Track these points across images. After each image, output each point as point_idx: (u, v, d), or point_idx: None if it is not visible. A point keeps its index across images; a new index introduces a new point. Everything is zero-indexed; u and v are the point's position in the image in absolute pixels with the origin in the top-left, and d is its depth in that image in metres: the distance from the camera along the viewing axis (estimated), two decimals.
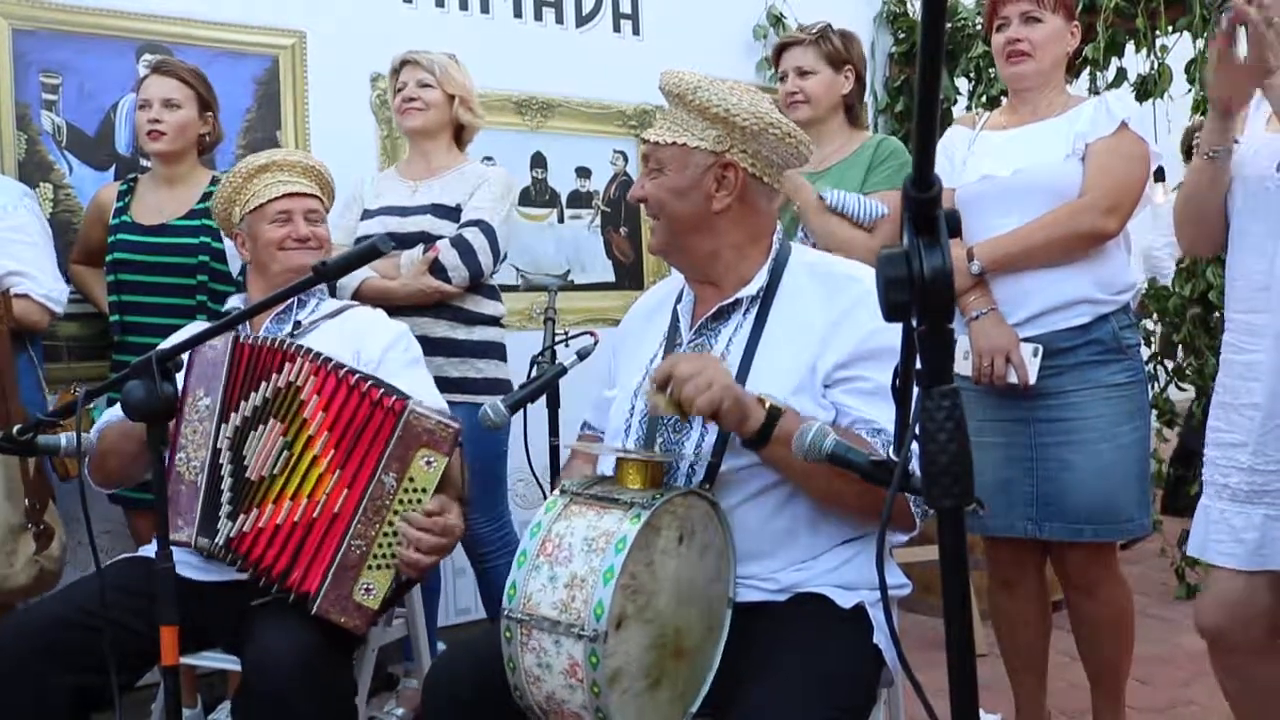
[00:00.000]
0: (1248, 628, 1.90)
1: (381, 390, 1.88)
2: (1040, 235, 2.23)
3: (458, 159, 2.93)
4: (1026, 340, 2.25)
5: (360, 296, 2.69)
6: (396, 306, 2.68)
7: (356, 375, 1.91)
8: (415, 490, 1.84)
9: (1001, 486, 2.31)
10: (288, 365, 1.93)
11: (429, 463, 1.83)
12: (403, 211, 2.82)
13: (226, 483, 1.93)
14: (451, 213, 2.80)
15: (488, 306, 2.87)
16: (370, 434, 1.85)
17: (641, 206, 1.76)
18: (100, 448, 2.04)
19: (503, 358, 2.89)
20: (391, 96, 2.93)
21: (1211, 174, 1.95)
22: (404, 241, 2.76)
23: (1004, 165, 2.30)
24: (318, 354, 1.94)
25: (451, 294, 2.74)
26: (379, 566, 1.84)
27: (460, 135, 2.96)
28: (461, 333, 2.80)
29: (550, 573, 1.39)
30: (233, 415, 1.95)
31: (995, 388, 2.27)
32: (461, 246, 2.72)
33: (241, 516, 1.90)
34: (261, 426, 1.93)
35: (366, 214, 2.87)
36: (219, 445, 1.94)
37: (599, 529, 1.39)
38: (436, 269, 2.71)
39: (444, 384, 2.68)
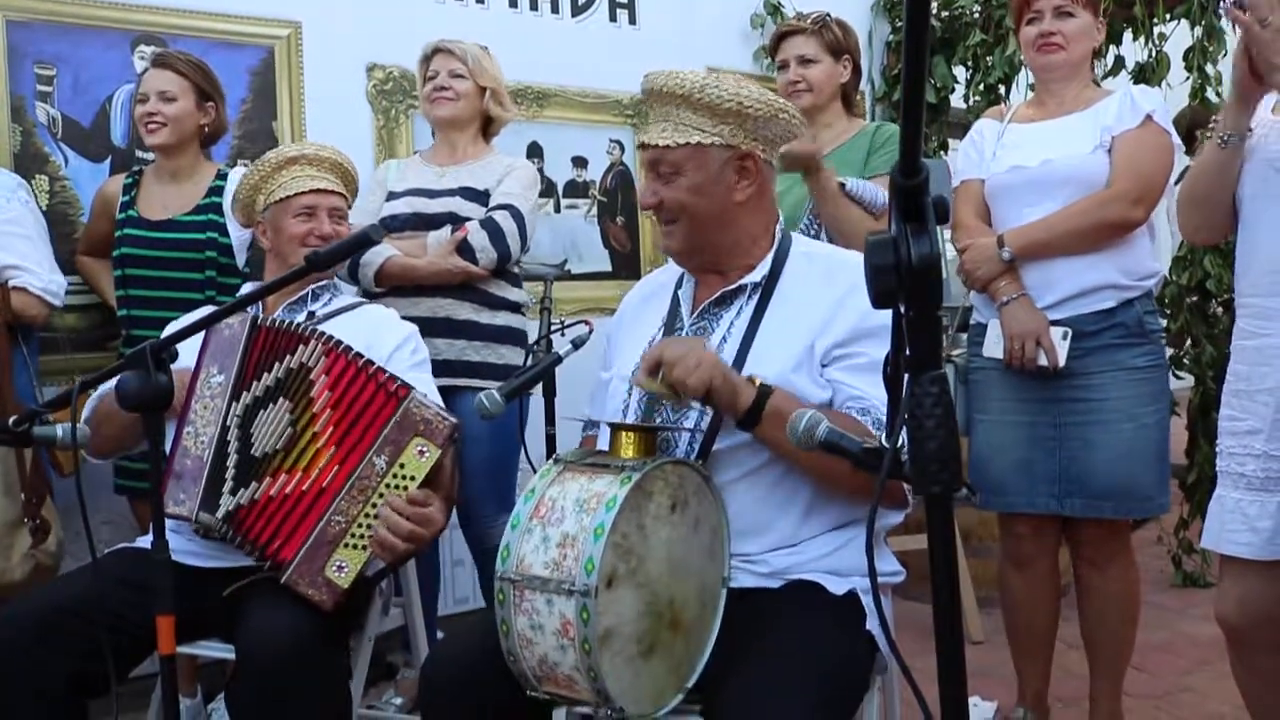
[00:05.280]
0: (1267, 624, 1.87)
1: (387, 375, 1.93)
2: (1069, 224, 2.29)
3: (483, 150, 2.91)
4: (1054, 324, 2.31)
5: (384, 274, 2.69)
6: (421, 286, 2.69)
7: (364, 359, 1.95)
8: (404, 477, 1.87)
9: (1025, 464, 2.38)
10: (301, 347, 1.97)
11: (422, 452, 1.87)
12: (431, 194, 2.80)
13: (232, 459, 1.95)
14: (480, 196, 2.78)
15: (511, 292, 2.85)
16: (370, 415, 1.90)
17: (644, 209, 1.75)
18: (96, 417, 2.05)
19: (522, 344, 2.86)
20: (420, 83, 2.89)
21: (1224, 160, 1.93)
22: (431, 222, 2.75)
23: (1032, 156, 2.36)
24: (330, 336, 1.97)
25: (477, 275, 2.72)
26: (355, 546, 1.86)
27: (488, 127, 2.94)
28: (485, 316, 2.78)
29: (543, 534, 1.41)
30: (244, 394, 1.97)
31: (1025, 369, 2.33)
32: (491, 229, 2.71)
33: (242, 490, 1.93)
34: (271, 405, 1.95)
35: (392, 195, 2.85)
36: (228, 422, 1.96)
37: (591, 491, 1.41)
38: (464, 250, 2.69)
39: (464, 368, 2.69)
